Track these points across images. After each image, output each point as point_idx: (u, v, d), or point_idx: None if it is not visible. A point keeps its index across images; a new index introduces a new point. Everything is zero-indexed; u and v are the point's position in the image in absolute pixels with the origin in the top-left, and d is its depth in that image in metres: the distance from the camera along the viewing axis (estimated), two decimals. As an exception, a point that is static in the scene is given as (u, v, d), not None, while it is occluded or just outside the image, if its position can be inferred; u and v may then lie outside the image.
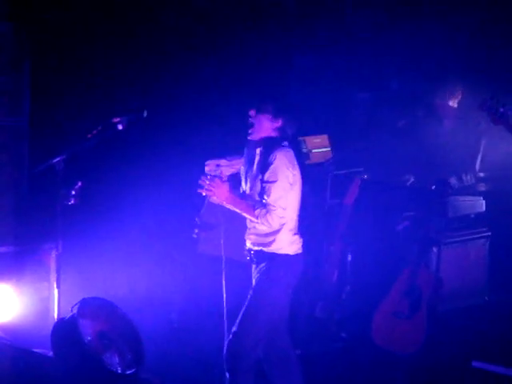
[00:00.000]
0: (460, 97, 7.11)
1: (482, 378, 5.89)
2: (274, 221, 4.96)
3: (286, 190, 4.97)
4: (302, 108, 6.19)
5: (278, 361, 5.24)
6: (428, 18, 7.31)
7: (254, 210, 4.98)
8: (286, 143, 5.10)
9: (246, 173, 5.18)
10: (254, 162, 5.11)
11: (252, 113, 5.08)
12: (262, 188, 4.99)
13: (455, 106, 7.08)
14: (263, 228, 5.04)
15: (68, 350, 5.23)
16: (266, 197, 4.96)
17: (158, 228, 7.16)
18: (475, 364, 5.95)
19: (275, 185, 4.95)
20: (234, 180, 5.21)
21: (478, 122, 6.88)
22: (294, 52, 7.48)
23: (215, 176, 5.03)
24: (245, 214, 5.04)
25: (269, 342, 5.18)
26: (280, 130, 5.08)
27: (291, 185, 5.01)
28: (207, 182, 4.98)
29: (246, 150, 5.21)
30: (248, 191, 5.14)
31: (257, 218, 4.98)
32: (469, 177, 6.91)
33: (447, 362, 6.06)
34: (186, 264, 6.89)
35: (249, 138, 5.13)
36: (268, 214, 4.94)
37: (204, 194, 5.03)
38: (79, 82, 7.18)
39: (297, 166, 5.08)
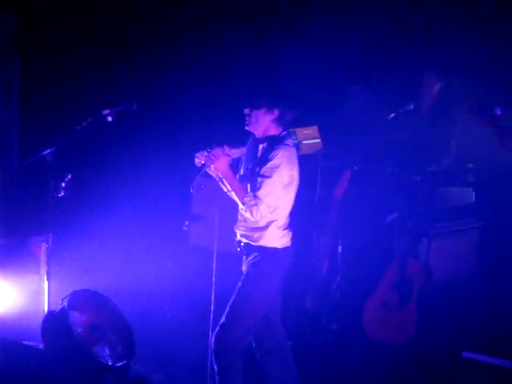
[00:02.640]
0: (441, 84, 6.98)
1: (473, 368, 5.89)
2: (256, 214, 4.96)
3: (276, 189, 4.97)
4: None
5: (272, 351, 5.26)
6: (423, 10, 7.27)
7: (245, 195, 4.99)
8: (289, 141, 5.10)
9: (246, 164, 5.17)
10: (255, 157, 5.11)
11: (247, 111, 5.08)
12: (256, 181, 5.00)
13: (436, 90, 6.98)
14: (252, 222, 5.04)
15: (58, 342, 5.24)
16: (257, 190, 4.96)
17: (149, 220, 7.16)
18: (465, 354, 5.95)
19: (268, 181, 4.95)
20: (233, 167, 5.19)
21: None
22: (285, 42, 7.45)
23: (218, 147, 5.04)
24: (234, 195, 5.03)
25: (263, 332, 5.22)
26: (278, 119, 5.07)
27: (285, 185, 5.01)
28: (209, 150, 4.99)
29: (250, 141, 5.20)
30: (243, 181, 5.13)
31: (243, 204, 4.99)
32: (444, 161, 6.86)
33: (437, 353, 6.08)
34: (177, 255, 6.89)
35: (246, 128, 5.11)
36: (255, 206, 4.95)
37: (203, 161, 5.02)
38: (69, 75, 7.17)
39: (296, 166, 5.07)
